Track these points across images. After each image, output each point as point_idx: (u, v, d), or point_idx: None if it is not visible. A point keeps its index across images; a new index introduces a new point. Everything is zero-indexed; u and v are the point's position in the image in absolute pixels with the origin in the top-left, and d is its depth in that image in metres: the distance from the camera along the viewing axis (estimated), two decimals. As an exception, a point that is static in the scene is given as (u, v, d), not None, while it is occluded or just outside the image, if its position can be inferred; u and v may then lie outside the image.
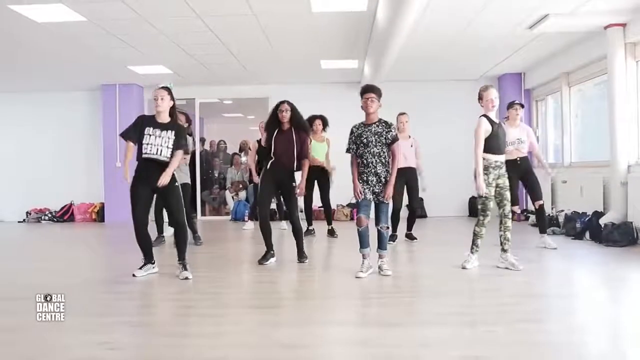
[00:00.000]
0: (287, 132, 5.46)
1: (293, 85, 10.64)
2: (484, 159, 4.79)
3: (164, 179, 4.60)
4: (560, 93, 8.80)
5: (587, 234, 6.75)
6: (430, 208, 10.35)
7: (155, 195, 4.99)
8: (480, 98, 4.89)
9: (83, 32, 6.86)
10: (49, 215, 11.02)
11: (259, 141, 8.05)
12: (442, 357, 2.71)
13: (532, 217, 8.00)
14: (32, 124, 11.09)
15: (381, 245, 4.82)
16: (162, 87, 4.87)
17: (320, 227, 7.74)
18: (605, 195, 7.13)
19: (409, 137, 6.64)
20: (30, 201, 11.07)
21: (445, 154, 9.86)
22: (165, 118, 4.77)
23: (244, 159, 10.75)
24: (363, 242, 4.77)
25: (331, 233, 7.44)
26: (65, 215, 11.00)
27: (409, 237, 6.84)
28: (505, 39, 7.60)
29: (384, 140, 4.74)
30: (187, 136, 5.24)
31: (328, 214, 7.58)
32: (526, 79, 10.11)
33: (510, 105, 6.19)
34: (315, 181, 7.29)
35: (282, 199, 7.97)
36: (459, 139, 10.32)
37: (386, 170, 4.76)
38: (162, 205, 4.95)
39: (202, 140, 12.28)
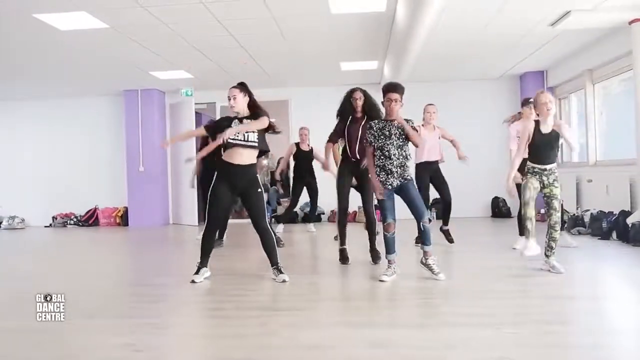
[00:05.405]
0: (360, 120, 5.30)
1: (313, 88, 10.70)
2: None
3: (239, 128, 4.46)
4: (584, 90, 8.65)
5: (614, 234, 6.63)
6: (452, 209, 10.24)
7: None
8: (535, 106, 4.76)
9: (105, 39, 6.97)
10: (75, 220, 11.21)
11: (297, 144, 8.10)
12: (467, 358, 2.68)
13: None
14: (56, 129, 11.32)
15: (426, 241, 4.55)
16: (236, 86, 4.77)
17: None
18: (632, 194, 6.99)
19: (434, 128, 6.44)
20: (56, 206, 11.28)
21: (467, 154, 9.68)
22: (245, 113, 4.69)
23: (265, 162, 10.79)
24: (390, 248, 4.60)
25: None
26: (90, 219, 11.17)
27: (446, 233, 6.58)
28: (527, 37, 7.51)
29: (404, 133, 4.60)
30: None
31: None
32: (549, 77, 9.95)
33: (525, 102, 6.09)
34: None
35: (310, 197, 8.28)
36: (480, 140, 10.26)
37: (407, 161, 4.66)
38: (245, 207, 4.83)
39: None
